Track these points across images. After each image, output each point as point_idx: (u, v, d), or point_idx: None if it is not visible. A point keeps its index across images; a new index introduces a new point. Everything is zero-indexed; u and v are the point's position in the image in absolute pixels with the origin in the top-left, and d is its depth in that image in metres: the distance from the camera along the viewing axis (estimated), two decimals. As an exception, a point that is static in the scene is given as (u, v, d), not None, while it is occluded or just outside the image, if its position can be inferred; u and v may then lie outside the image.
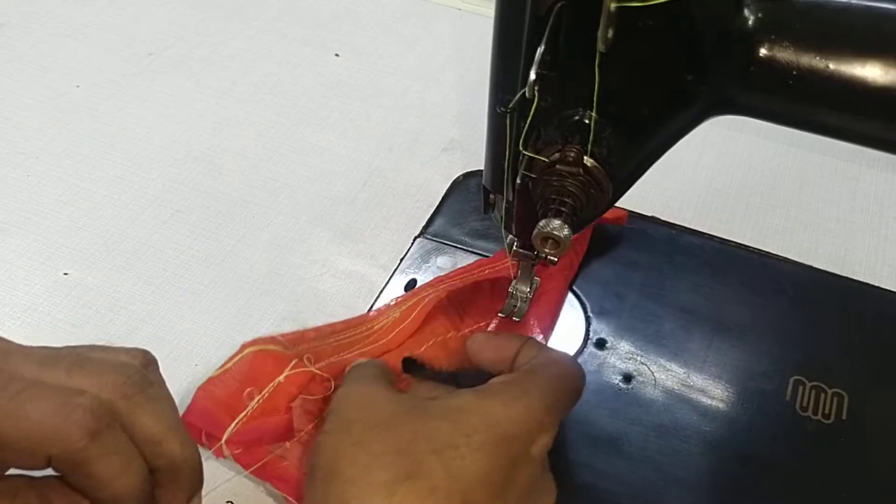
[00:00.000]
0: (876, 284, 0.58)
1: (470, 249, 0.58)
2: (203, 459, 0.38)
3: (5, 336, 0.35)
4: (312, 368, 0.46)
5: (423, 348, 0.50)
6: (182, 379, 0.50)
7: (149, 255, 0.59)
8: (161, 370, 0.38)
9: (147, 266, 0.58)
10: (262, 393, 0.45)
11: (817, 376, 0.52)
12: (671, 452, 0.48)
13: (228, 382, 0.45)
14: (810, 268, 0.58)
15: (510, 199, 0.44)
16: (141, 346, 0.37)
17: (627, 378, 0.51)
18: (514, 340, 0.46)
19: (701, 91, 0.37)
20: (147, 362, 0.37)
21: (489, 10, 0.38)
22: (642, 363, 0.52)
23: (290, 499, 0.44)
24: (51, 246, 0.59)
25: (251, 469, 0.45)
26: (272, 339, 0.48)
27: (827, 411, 0.50)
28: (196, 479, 0.37)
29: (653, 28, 0.34)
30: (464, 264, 0.56)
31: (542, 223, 0.37)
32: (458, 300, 0.53)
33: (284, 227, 0.61)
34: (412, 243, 0.60)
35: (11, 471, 0.34)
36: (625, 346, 0.53)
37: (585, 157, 0.37)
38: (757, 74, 0.35)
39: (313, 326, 0.51)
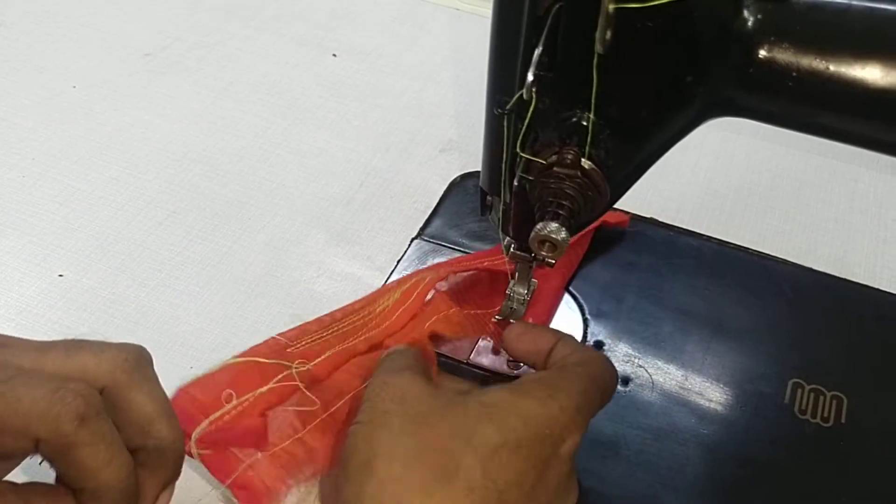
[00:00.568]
0: (875, 286, 0.57)
1: (467, 251, 0.58)
2: None
3: (0, 337, 0.35)
4: (299, 384, 0.45)
5: (426, 325, 0.50)
6: (177, 381, 0.49)
7: (144, 257, 0.58)
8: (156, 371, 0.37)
9: (143, 267, 0.58)
10: (242, 398, 0.44)
11: (816, 379, 0.51)
12: (669, 456, 0.48)
13: (210, 386, 0.44)
14: (809, 269, 0.58)
15: (507, 201, 0.44)
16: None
17: (625, 381, 0.51)
18: (551, 335, 0.45)
19: (699, 93, 0.37)
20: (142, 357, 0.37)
21: (487, 11, 0.38)
22: (640, 365, 0.52)
23: None
24: (46, 247, 0.59)
25: (214, 470, 0.43)
26: (273, 342, 0.48)
27: (826, 414, 0.50)
28: (177, 466, 0.37)
29: (651, 29, 0.34)
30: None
31: (539, 226, 0.37)
32: (457, 286, 0.53)
33: (281, 229, 0.61)
34: (409, 245, 0.59)
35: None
36: (622, 349, 0.53)
37: (583, 160, 0.37)
38: (756, 76, 0.35)
39: (314, 318, 0.50)
